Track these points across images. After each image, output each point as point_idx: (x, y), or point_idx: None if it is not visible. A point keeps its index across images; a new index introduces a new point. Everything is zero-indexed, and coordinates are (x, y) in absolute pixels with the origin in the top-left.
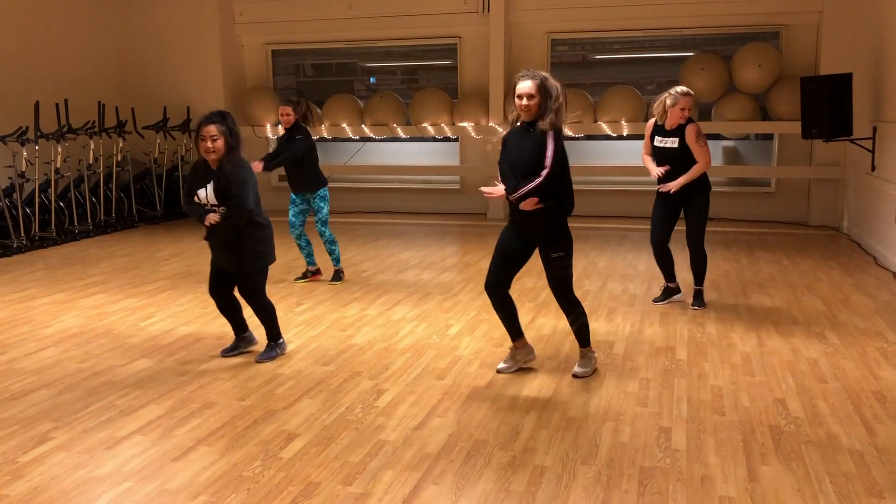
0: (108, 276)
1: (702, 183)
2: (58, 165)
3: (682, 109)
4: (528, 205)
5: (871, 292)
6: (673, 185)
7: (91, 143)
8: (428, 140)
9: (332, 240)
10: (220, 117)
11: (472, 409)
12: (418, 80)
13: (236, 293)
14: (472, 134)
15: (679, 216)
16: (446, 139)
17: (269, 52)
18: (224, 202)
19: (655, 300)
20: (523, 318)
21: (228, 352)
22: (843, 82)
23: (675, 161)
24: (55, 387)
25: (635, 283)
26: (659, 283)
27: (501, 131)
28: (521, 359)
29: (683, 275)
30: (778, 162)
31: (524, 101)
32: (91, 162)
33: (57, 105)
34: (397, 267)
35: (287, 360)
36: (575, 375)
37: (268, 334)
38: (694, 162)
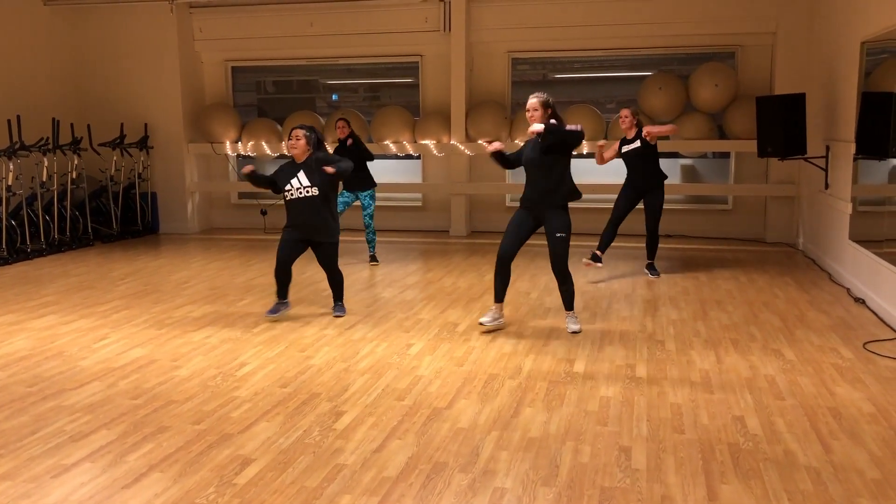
0: (61, 296)
1: (659, 177)
2: (9, 183)
3: (621, 118)
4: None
5: (826, 308)
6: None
7: (45, 160)
8: (390, 157)
9: (374, 231)
10: (307, 127)
11: (432, 430)
12: (380, 97)
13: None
14: (434, 151)
15: (635, 206)
16: (408, 157)
17: (228, 68)
18: (314, 182)
19: (586, 260)
20: (485, 337)
21: (273, 312)
22: (796, 102)
23: (641, 159)
24: (0, 413)
25: (596, 300)
26: (618, 297)
27: (463, 149)
28: (499, 317)
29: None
30: (735, 180)
31: (528, 114)
32: (45, 179)
33: (9, 121)
34: (358, 285)
35: (244, 382)
36: (575, 332)
37: (337, 296)
38: (654, 161)
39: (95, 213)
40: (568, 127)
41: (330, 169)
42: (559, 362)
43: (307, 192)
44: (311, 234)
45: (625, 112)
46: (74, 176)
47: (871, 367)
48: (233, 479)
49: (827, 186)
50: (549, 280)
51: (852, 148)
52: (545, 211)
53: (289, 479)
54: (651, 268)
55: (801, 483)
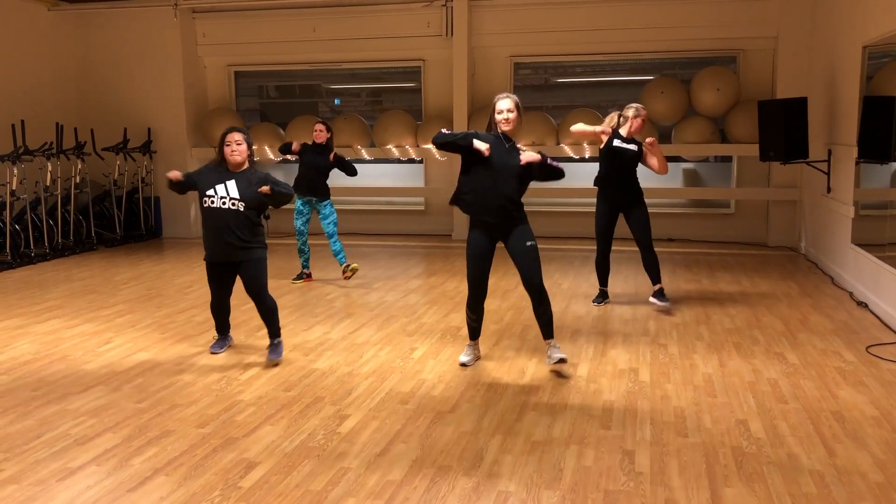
0: (65, 300)
1: (640, 191)
2: (13, 187)
3: (639, 117)
4: (530, 158)
5: (829, 312)
6: (652, 141)
7: (48, 164)
8: (392, 162)
9: (338, 239)
10: (244, 131)
11: (436, 433)
12: (383, 102)
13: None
14: (437, 156)
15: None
16: (411, 161)
17: (231, 73)
18: (245, 197)
19: (595, 301)
20: (487, 340)
21: (218, 348)
22: (798, 106)
23: (632, 162)
24: (6, 416)
25: (598, 303)
26: (618, 301)
27: None
28: (477, 353)
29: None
30: (737, 184)
31: (505, 115)
32: (48, 184)
33: (13, 126)
34: (361, 289)
35: (248, 386)
36: (562, 361)
37: (271, 333)
38: (635, 171)
39: (99, 217)
40: (556, 164)
41: (265, 189)
42: (562, 366)
43: (232, 204)
44: (228, 251)
45: (644, 114)
46: (78, 180)
47: (874, 370)
48: (238, 483)
49: (829, 190)
50: (552, 284)
51: (854, 152)
52: (509, 225)
53: (293, 482)
54: (660, 294)
55: (804, 486)
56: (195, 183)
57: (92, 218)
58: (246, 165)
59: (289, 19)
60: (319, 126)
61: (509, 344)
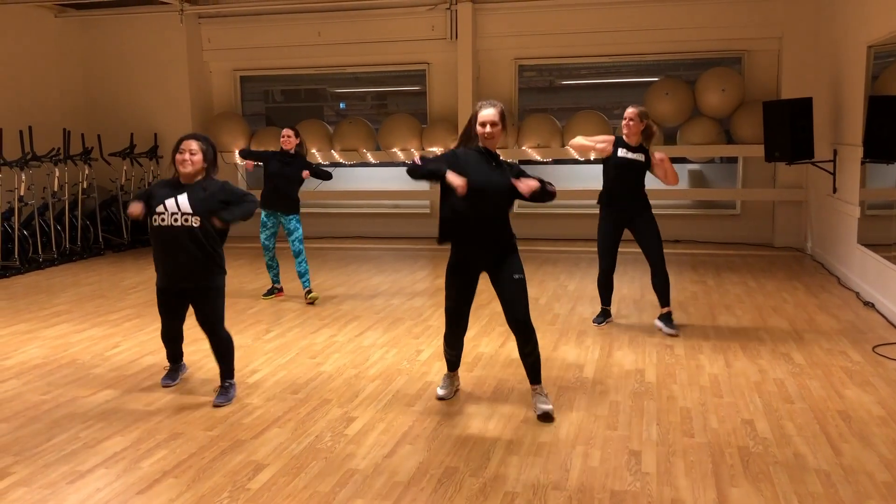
0: (73, 305)
1: (647, 201)
2: (21, 193)
3: (625, 120)
4: (529, 187)
5: (835, 312)
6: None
7: (56, 170)
8: (398, 165)
9: (305, 260)
10: (203, 138)
11: (442, 435)
12: (388, 105)
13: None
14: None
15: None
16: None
17: (237, 78)
18: (197, 209)
19: (596, 321)
20: (493, 342)
21: (170, 381)
22: (803, 106)
23: (636, 174)
24: (16, 420)
25: None
26: (624, 306)
27: None
28: (456, 384)
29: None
30: (742, 184)
31: (487, 129)
32: (56, 189)
33: (21, 132)
34: (367, 292)
35: (255, 389)
36: (547, 413)
37: (224, 372)
38: (643, 181)
39: (106, 222)
40: (551, 189)
41: (219, 223)
42: (568, 367)
43: (185, 220)
44: (182, 278)
45: (630, 113)
46: (85, 186)
47: (881, 370)
48: (246, 485)
49: (835, 191)
50: (557, 286)
51: (860, 152)
52: (497, 254)
53: (301, 483)
54: (666, 320)
55: (810, 486)
56: (154, 201)
57: (99, 223)
58: (200, 177)
59: (294, 24)
60: (287, 132)
61: (514, 347)
